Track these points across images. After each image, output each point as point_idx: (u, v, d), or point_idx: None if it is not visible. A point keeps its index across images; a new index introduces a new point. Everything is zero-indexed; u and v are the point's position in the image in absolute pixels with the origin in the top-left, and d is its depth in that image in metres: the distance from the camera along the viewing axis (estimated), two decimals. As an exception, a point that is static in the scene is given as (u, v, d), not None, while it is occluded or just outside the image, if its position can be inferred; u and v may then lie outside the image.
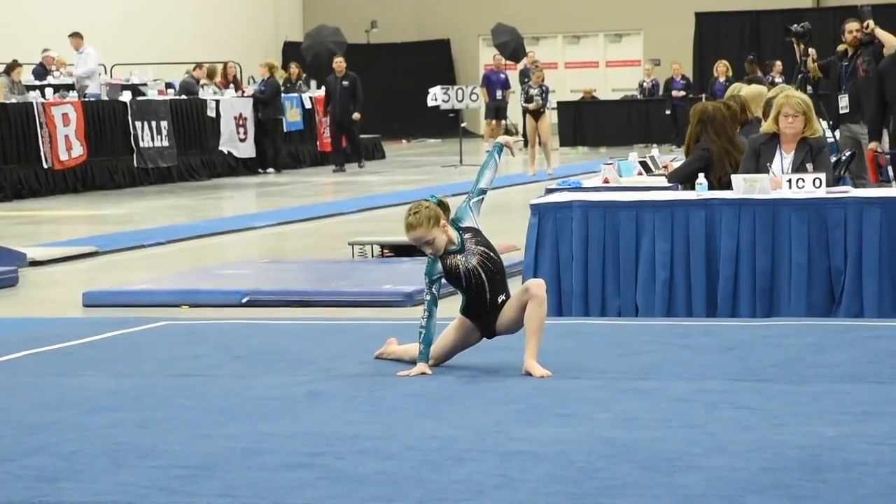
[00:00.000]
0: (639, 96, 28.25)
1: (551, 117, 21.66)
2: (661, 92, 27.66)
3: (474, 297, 6.00)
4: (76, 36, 20.41)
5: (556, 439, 4.74)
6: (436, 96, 22.65)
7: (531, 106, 19.37)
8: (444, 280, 6.02)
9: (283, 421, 5.11)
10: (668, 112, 26.25)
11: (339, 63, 21.67)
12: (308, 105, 23.26)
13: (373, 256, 10.49)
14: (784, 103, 7.78)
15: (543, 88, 19.38)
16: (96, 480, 4.34)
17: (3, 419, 5.20)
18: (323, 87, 22.29)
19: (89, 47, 20.52)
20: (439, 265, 6.00)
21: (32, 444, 4.79)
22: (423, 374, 5.89)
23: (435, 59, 32.64)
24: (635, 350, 6.44)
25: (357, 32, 30.94)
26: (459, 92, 22.54)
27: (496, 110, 26.89)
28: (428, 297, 5.97)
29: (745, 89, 9.63)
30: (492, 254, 6.09)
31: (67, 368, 6.28)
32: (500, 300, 6.03)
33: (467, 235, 6.12)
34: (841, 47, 11.46)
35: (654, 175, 9.23)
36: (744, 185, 7.48)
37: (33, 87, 19.62)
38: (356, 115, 21.31)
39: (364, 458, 4.53)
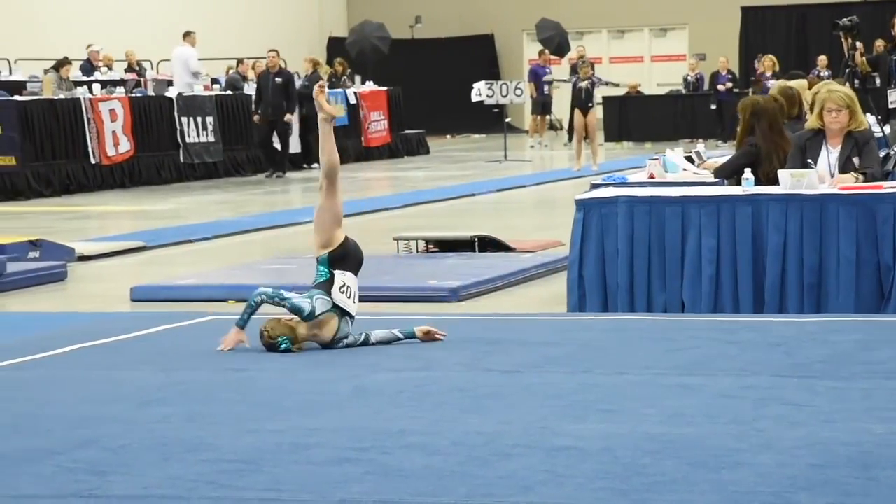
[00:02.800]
0: (683, 91, 28.11)
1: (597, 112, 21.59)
2: (705, 86, 27.51)
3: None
4: (189, 34, 21.77)
5: (601, 435, 4.73)
6: (480, 91, 22.63)
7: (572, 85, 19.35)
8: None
9: (329, 416, 5.13)
10: (713, 107, 26.11)
11: (272, 58, 19.71)
12: (353, 100, 23.30)
13: (417, 252, 10.50)
14: (827, 98, 7.72)
15: (593, 82, 19.31)
16: (145, 474, 4.37)
17: (53, 413, 5.25)
18: (256, 85, 20.18)
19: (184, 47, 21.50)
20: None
21: (82, 438, 4.83)
22: (240, 341, 6.34)
23: (479, 54, 32.61)
24: (681, 346, 6.41)
25: (401, 28, 30.96)
26: (504, 87, 22.50)
27: (542, 105, 26.83)
28: (260, 298, 6.39)
29: (791, 83, 9.56)
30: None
31: (116, 363, 6.32)
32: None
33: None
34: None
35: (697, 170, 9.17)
36: (791, 181, 7.43)
37: (81, 83, 19.77)
38: (288, 117, 19.48)
39: (410, 453, 4.54)
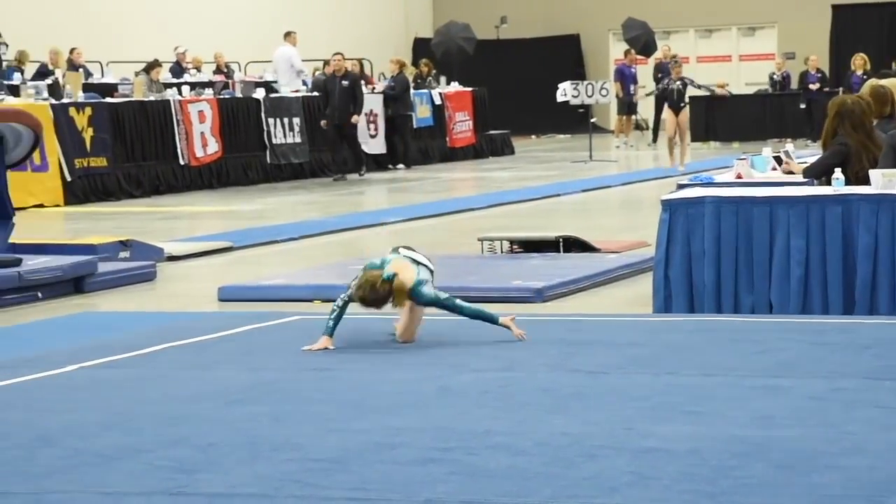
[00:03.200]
0: (769, 90, 27.81)
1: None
2: (792, 85, 27.19)
3: None
4: (290, 34, 22.48)
5: (688, 437, 4.69)
6: (565, 91, 22.56)
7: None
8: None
9: (415, 416, 5.15)
10: (802, 106, 25.78)
11: (337, 61, 19.32)
12: (438, 101, 23.35)
13: (502, 252, 10.49)
14: (918, 97, 7.59)
15: (685, 82, 19.18)
16: (233, 472, 4.41)
17: (143, 411, 5.32)
18: (322, 88, 19.74)
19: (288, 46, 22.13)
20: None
21: (171, 436, 4.89)
22: (325, 348, 6.49)
23: (564, 54, 32.51)
24: (769, 347, 6.34)
25: (487, 28, 30.95)
26: (589, 87, 22.40)
27: (628, 105, 26.69)
28: (346, 298, 6.58)
29: (882, 81, 9.41)
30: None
31: (203, 362, 6.40)
32: None
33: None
34: None
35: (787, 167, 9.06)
36: (882, 181, 7.32)
37: (171, 85, 20.03)
38: (355, 118, 19.08)
39: (495, 454, 4.54)
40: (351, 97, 19.04)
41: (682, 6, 31.73)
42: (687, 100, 19.55)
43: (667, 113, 19.57)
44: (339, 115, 18.94)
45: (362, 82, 19.55)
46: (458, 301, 6.70)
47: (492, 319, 6.68)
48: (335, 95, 19.01)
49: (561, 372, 5.90)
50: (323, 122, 19.15)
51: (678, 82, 19.07)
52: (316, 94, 21.09)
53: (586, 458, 4.47)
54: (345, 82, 19.07)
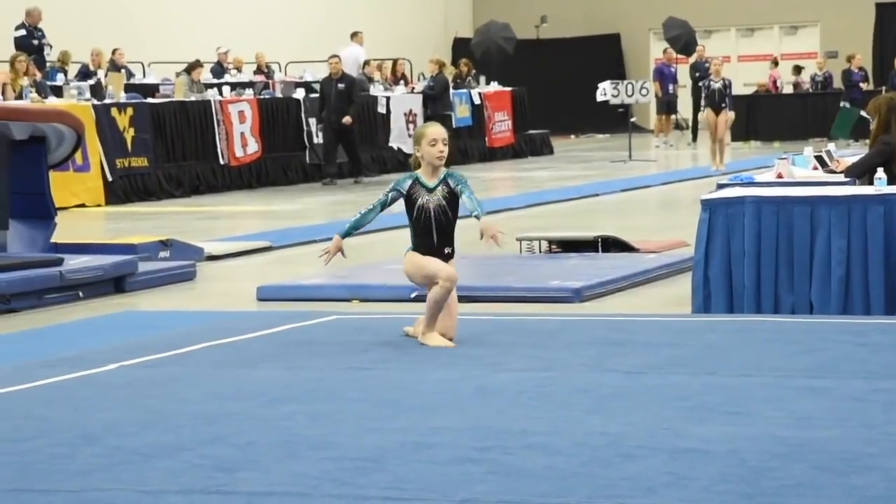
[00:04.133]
0: (809, 89, 27.63)
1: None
2: (833, 85, 27.00)
3: (420, 234, 6.70)
4: (357, 34, 23.02)
5: (727, 437, 4.67)
6: (605, 91, 22.51)
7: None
8: (397, 203, 6.78)
9: (452, 415, 5.15)
10: (844, 105, 25.61)
11: (334, 64, 18.89)
12: (477, 101, 23.36)
13: (540, 252, 10.48)
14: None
15: (726, 83, 19.09)
16: (271, 471, 4.43)
17: (183, 410, 5.35)
18: (319, 91, 19.36)
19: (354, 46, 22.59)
20: (408, 183, 6.71)
21: (210, 435, 4.91)
22: (338, 249, 6.67)
23: (604, 54, 32.45)
24: (809, 348, 6.30)
25: (527, 28, 30.93)
26: (629, 87, 22.35)
27: (668, 104, 26.61)
28: (382, 198, 6.76)
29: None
30: (449, 212, 6.72)
31: (243, 361, 6.42)
32: (445, 251, 6.73)
33: (445, 188, 6.70)
34: None
35: (829, 170, 9.01)
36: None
37: (211, 86, 20.12)
38: (347, 119, 18.52)
39: (532, 454, 4.53)
40: (347, 100, 18.67)
41: (724, 5, 31.59)
42: (727, 100, 19.46)
43: (709, 113, 19.44)
44: (336, 118, 18.55)
45: (360, 85, 19.37)
46: (372, 210, 6.79)
47: (343, 231, 6.80)
48: (331, 99, 18.63)
49: (599, 372, 5.88)
50: (319, 126, 18.93)
51: (720, 82, 18.97)
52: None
53: (624, 458, 4.45)
54: (341, 85, 18.67)
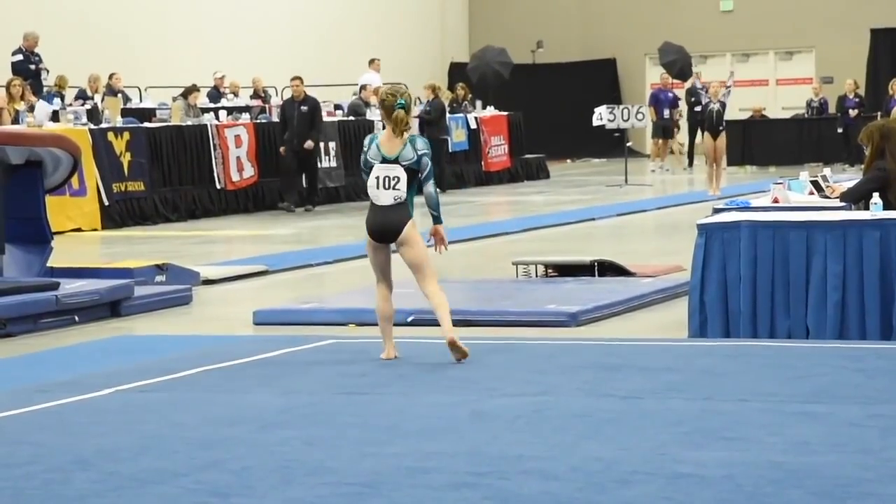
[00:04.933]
0: (806, 115, 27.71)
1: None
2: (829, 110, 27.07)
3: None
4: (374, 61, 23.62)
5: (723, 463, 4.66)
6: (601, 116, 22.55)
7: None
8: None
9: (448, 440, 5.14)
10: (840, 130, 25.67)
11: (296, 86, 18.34)
12: (473, 125, 23.39)
13: (537, 276, 10.48)
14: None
15: (724, 104, 19.09)
16: (266, 496, 4.42)
17: (178, 435, 5.33)
18: (280, 114, 18.80)
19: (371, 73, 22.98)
20: (375, 148, 6.96)
21: (206, 460, 4.90)
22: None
23: (600, 79, 32.51)
24: (806, 373, 6.30)
25: (523, 52, 31.01)
26: (625, 111, 22.39)
27: (663, 129, 26.66)
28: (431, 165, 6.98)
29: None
30: (399, 178, 6.93)
31: (239, 385, 6.41)
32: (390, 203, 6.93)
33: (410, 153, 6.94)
34: None
35: (824, 195, 9.02)
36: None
37: (208, 110, 20.15)
38: (308, 143, 18.03)
39: (528, 479, 4.52)
40: (310, 123, 18.17)
41: (719, 30, 31.69)
42: (724, 123, 19.48)
43: (706, 137, 19.37)
44: (298, 141, 18.06)
45: (318, 108, 18.56)
46: (433, 180, 7.00)
47: (436, 219, 6.99)
48: (294, 121, 18.11)
49: (595, 397, 5.88)
50: (281, 149, 18.24)
51: (717, 104, 18.98)
52: (352, 118, 21.17)
53: (620, 483, 4.44)
54: (304, 108, 18.17)
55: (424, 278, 6.94)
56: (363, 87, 23.02)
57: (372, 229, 6.98)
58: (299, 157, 18.21)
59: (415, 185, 7.00)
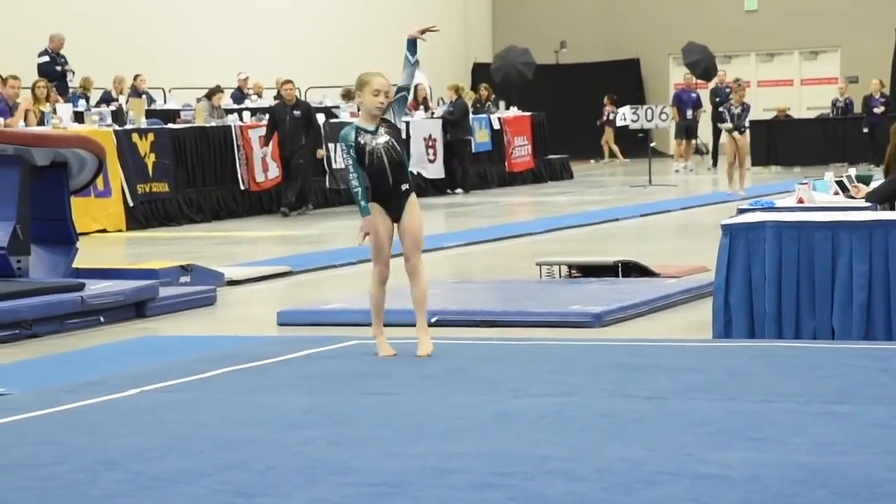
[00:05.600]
0: (831, 115, 27.60)
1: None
2: (855, 110, 26.96)
3: (375, 178, 6.82)
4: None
5: (748, 463, 4.65)
6: (625, 116, 22.51)
7: (724, 126, 19.19)
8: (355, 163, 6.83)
9: (471, 440, 5.14)
10: (865, 130, 25.56)
11: (288, 90, 17.72)
12: (496, 126, 23.39)
13: (560, 277, 10.47)
14: None
15: (745, 107, 19.07)
16: (291, 496, 4.43)
17: (203, 435, 5.35)
18: (270, 117, 18.07)
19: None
20: (353, 135, 6.82)
21: (230, 460, 4.91)
22: (371, 228, 6.75)
23: (624, 79, 32.48)
24: (831, 373, 6.28)
25: (546, 53, 30.99)
26: (649, 111, 22.35)
27: (686, 129, 26.61)
28: (350, 161, 6.84)
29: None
30: (398, 147, 6.86)
31: (263, 386, 6.43)
32: (402, 187, 6.87)
33: (385, 126, 6.83)
34: None
35: (850, 196, 8.99)
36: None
37: (232, 111, 20.20)
38: (321, 153, 17.84)
39: (552, 479, 4.52)
40: (303, 128, 17.51)
41: (743, 30, 31.59)
42: (747, 124, 19.44)
43: (726, 137, 19.42)
44: (290, 146, 17.43)
45: (312, 112, 17.99)
46: (356, 174, 6.84)
47: (363, 210, 6.85)
48: (286, 125, 17.46)
49: (619, 397, 5.87)
50: (266, 151, 17.81)
51: (739, 107, 18.96)
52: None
53: (645, 484, 4.44)
54: (297, 112, 17.52)
55: (416, 264, 6.99)
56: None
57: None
58: (291, 164, 17.63)
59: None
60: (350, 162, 6.86)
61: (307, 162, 17.72)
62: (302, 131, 17.54)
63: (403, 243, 6.92)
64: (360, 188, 6.84)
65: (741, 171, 19.26)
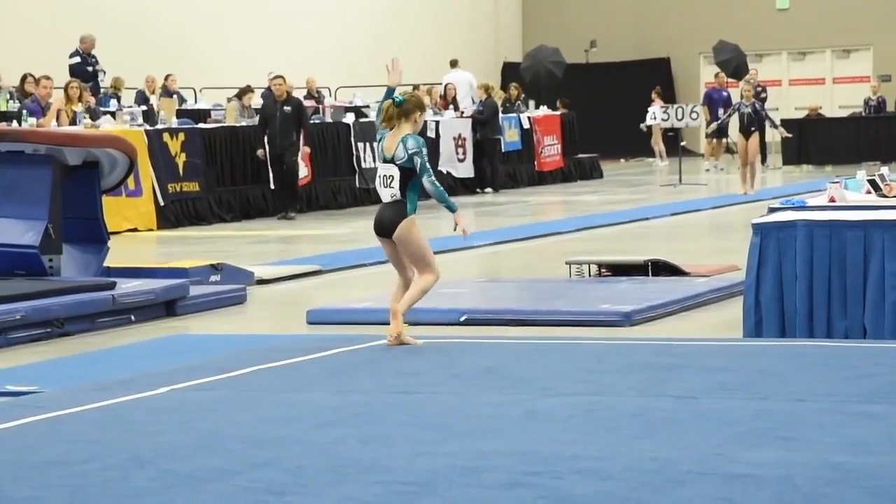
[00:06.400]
0: (863, 113, 27.44)
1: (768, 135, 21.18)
2: (888, 108, 26.79)
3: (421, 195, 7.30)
4: (457, 62, 24.38)
5: (780, 463, 4.62)
6: (655, 115, 22.44)
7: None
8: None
9: (501, 439, 5.13)
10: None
11: (279, 85, 16.86)
12: (526, 125, 23.37)
13: (590, 276, 10.45)
14: None
15: (756, 107, 18.97)
16: (321, 495, 4.43)
17: (233, 433, 5.36)
18: (260, 113, 17.46)
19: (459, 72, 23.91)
20: (380, 147, 7.32)
21: (260, 458, 4.93)
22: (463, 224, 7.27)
23: (654, 78, 32.37)
24: (864, 373, 6.24)
25: (576, 52, 30.94)
26: (679, 110, 22.28)
27: (718, 128, 26.50)
28: (428, 163, 7.24)
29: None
30: (394, 177, 7.28)
31: (293, 384, 6.44)
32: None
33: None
34: None
35: (882, 194, 8.93)
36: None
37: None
38: (306, 150, 17.03)
39: (582, 479, 4.51)
40: (294, 125, 16.77)
41: (775, 29, 31.45)
42: (769, 123, 19.36)
43: (738, 137, 19.36)
44: (281, 143, 16.75)
45: (309, 107, 17.46)
46: (429, 174, 7.19)
47: (451, 207, 7.24)
48: (275, 122, 16.77)
49: (649, 396, 5.85)
50: (259, 152, 16.97)
51: (749, 107, 18.88)
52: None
53: (675, 483, 4.42)
54: (287, 108, 16.76)
55: (422, 272, 7.29)
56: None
57: (374, 223, 7.42)
58: (280, 162, 16.91)
59: (417, 183, 7.27)
60: (428, 164, 7.24)
61: (298, 161, 17.07)
62: (293, 128, 16.85)
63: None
64: (444, 188, 7.33)
65: (751, 171, 19.19)
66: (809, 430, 5.10)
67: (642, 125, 26.30)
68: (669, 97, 30.88)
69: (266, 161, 17.04)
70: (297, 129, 16.92)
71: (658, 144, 28.00)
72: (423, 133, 7.06)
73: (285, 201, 17.19)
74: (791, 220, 7.51)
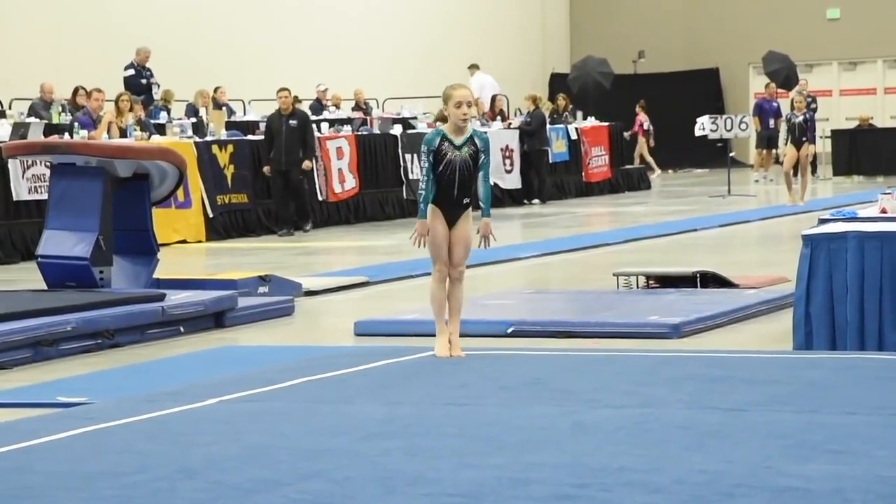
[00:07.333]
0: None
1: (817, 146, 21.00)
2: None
3: (444, 186, 7.17)
4: (473, 67, 24.68)
5: (830, 476, 4.58)
6: (703, 126, 22.35)
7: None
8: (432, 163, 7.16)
9: (549, 451, 5.12)
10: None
11: (283, 98, 16.56)
12: (574, 136, 23.34)
13: (638, 287, 10.41)
14: None
15: (807, 117, 18.85)
16: (367, 505, 4.43)
17: (282, 444, 5.38)
18: (266, 128, 17.04)
19: (480, 75, 24.22)
20: (437, 141, 7.17)
21: (308, 470, 4.94)
22: (426, 230, 7.19)
23: (703, 88, 32.25)
24: (915, 386, 6.17)
25: (624, 63, 30.87)
26: (728, 121, 22.17)
27: (768, 139, 26.35)
28: (426, 165, 7.18)
29: None
30: (472, 168, 7.21)
31: (341, 396, 6.45)
32: (464, 201, 7.25)
33: (471, 147, 7.19)
34: None
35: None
36: None
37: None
38: (307, 164, 16.59)
39: (630, 491, 4.49)
40: (300, 139, 16.48)
41: (825, 38, 31.25)
42: (827, 133, 19.21)
43: (788, 147, 19.20)
44: (287, 159, 16.43)
45: (309, 123, 16.95)
46: (428, 178, 7.19)
47: (485, 212, 7.29)
48: (282, 137, 16.44)
49: (698, 409, 5.81)
50: (265, 169, 16.58)
51: (801, 117, 18.76)
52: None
53: (724, 496, 4.39)
54: (293, 122, 16.48)
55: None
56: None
57: None
58: (287, 178, 16.58)
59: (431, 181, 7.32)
60: (426, 165, 7.19)
61: (304, 176, 16.83)
62: (299, 142, 16.52)
63: (455, 250, 7.31)
64: (425, 192, 7.21)
65: (802, 182, 19.05)
66: (860, 444, 5.05)
67: (626, 133, 26.14)
68: (718, 108, 30.73)
69: (273, 175, 16.60)
70: (304, 143, 16.64)
71: (645, 156, 27.92)
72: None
73: (297, 216, 16.87)
74: (842, 231, 7.45)
